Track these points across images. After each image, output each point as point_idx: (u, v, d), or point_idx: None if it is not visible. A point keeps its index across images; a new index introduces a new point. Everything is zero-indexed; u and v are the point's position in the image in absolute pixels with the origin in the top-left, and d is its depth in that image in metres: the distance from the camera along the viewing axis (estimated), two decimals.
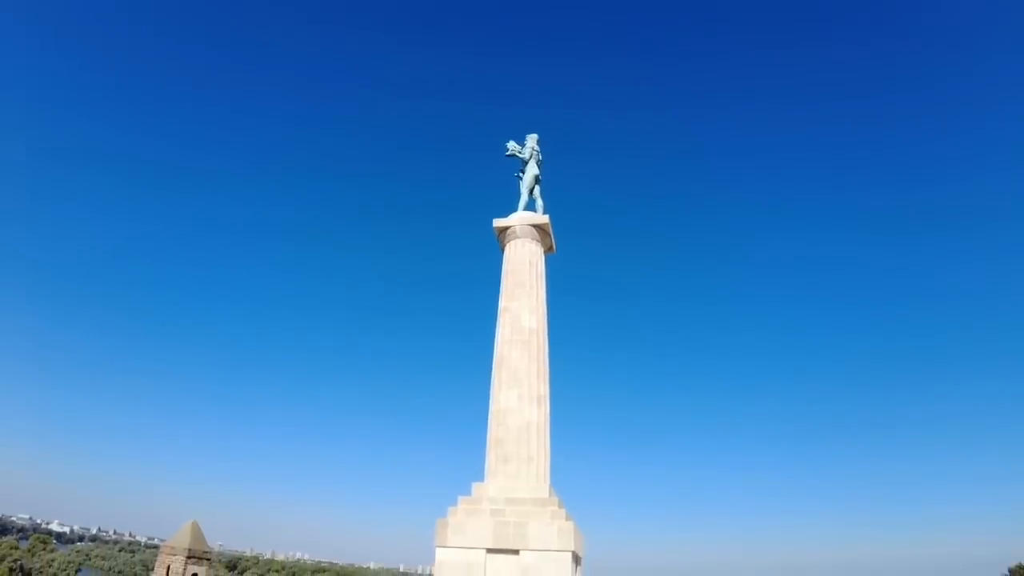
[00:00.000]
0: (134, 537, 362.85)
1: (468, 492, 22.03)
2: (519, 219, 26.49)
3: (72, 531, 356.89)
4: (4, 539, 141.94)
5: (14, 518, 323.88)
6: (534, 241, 26.27)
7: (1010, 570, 65.27)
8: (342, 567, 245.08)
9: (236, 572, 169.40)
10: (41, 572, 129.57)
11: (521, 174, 28.32)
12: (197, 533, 33.44)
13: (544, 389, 23.62)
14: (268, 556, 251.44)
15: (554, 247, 27.48)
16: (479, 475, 22.98)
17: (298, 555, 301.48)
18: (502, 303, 25.20)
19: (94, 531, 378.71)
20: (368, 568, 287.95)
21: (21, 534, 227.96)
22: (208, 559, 33.26)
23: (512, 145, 28.57)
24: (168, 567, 31.14)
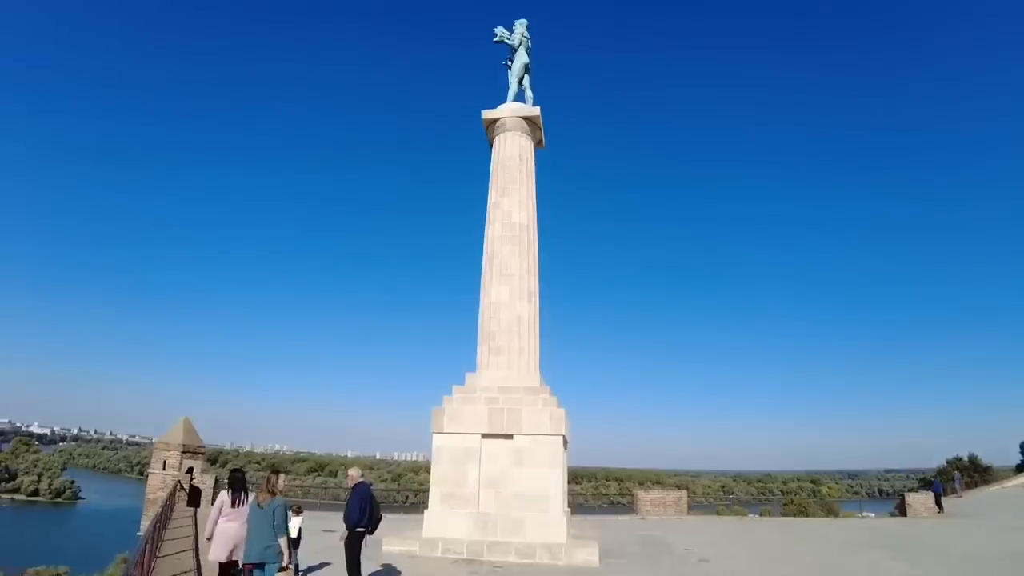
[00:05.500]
0: (115, 435, 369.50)
1: (461, 382, 22.62)
2: (509, 111, 25.50)
3: (53, 432, 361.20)
4: None
5: None
6: (524, 134, 25.48)
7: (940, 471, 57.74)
8: (320, 456, 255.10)
9: (217, 464, 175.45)
10: (27, 473, 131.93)
11: (510, 63, 26.84)
12: (190, 429, 34.10)
13: (534, 284, 23.78)
14: (248, 449, 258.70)
15: (543, 141, 26.75)
16: (470, 366, 23.47)
17: (277, 447, 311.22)
18: (492, 198, 24.75)
19: (75, 432, 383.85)
20: (345, 456, 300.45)
21: (2, 437, 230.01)
22: (202, 453, 34.13)
23: (500, 31, 26.89)
24: (164, 462, 31.92)
